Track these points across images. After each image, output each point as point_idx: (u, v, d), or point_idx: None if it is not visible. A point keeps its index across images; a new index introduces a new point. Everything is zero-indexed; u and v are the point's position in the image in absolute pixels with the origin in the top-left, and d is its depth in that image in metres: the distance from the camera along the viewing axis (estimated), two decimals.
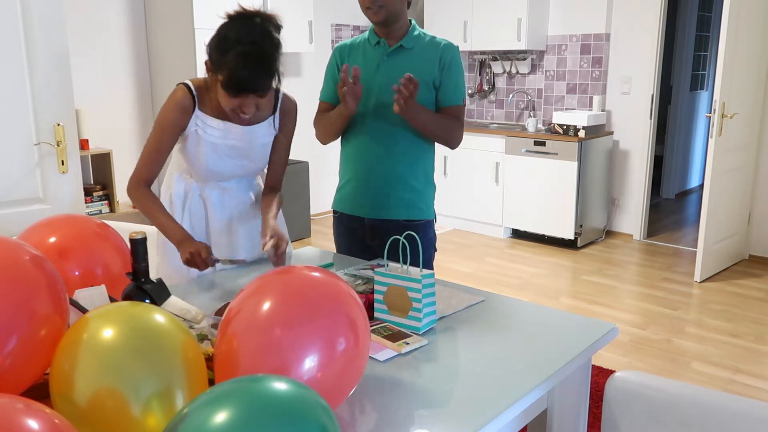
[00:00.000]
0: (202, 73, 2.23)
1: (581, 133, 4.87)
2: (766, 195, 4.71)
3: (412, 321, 1.48)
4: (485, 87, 5.94)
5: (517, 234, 5.44)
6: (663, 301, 4.00)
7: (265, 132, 1.94)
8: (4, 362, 0.97)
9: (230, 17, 1.70)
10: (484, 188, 5.43)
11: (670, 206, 6.53)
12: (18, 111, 2.66)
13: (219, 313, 1.47)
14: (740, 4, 3.98)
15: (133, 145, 4.44)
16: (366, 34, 2.14)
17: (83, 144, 3.93)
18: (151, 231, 2.09)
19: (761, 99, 4.54)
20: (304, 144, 3.74)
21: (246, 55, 1.63)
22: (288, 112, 1.97)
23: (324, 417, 0.82)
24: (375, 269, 1.61)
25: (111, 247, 1.48)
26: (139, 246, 1.34)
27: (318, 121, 2.18)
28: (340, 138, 2.18)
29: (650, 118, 5.10)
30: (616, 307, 3.92)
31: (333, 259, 2.05)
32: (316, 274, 1.13)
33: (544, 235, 5.22)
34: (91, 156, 4.09)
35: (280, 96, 1.94)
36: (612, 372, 2.82)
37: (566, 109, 5.44)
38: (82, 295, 1.27)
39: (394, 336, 1.43)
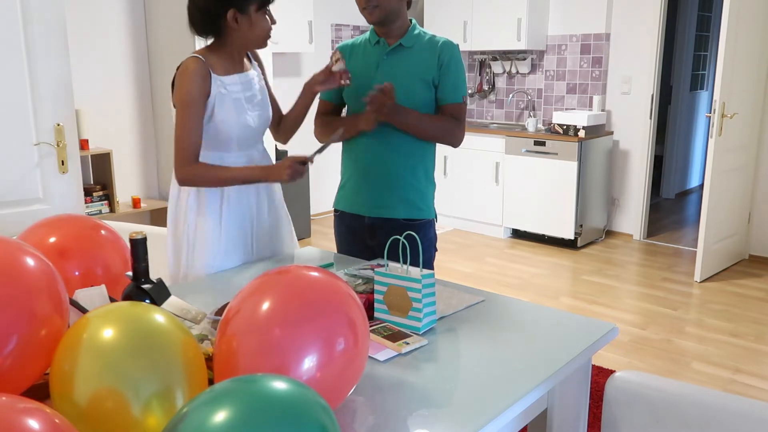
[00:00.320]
0: None
1: (581, 133, 4.87)
2: (766, 195, 4.71)
3: (412, 321, 1.48)
4: (485, 87, 5.95)
5: (517, 234, 5.44)
6: (663, 301, 4.00)
7: (256, 76, 2.03)
8: (4, 362, 0.97)
9: None
10: (484, 188, 5.43)
11: (670, 206, 6.53)
12: (18, 111, 2.66)
13: (219, 313, 1.47)
14: (740, 4, 3.98)
15: (133, 145, 4.44)
16: (367, 34, 2.14)
17: (83, 144, 3.93)
18: (150, 231, 2.09)
19: (761, 99, 4.54)
20: (305, 144, 3.74)
21: None
22: (257, 56, 2.11)
23: (324, 417, 0.82)
24: (375, 269, 1.61)
25: (111, 247, 1.48)
26: (139, 246, 1.34)
27: (319, 122, 2.18)
28: None
29: (650, 118, 5.10)
30: (616, 307, 3.92)
31: (333, 259, 2.05)
32: (316, 274, 1.13)
33: (544, 235, 5.22)
34: (91, 156, 4.09)
35: None
36: (612, 372, 2.82)
37: (566, 109, 5.44)
38: (82, 295, 1.27)
39: (394, 336, 1.43)
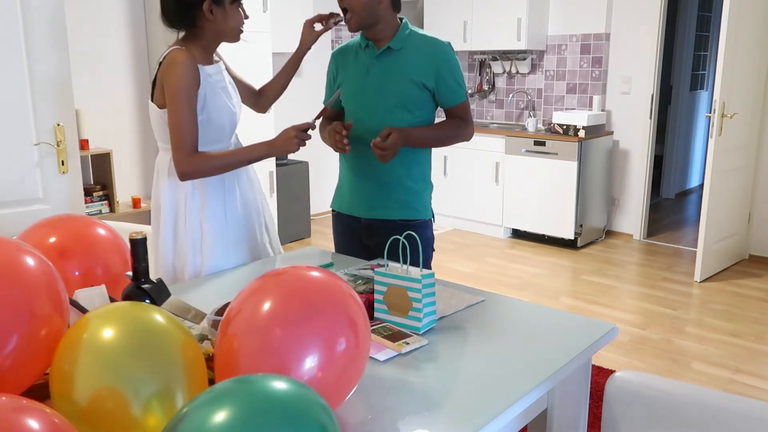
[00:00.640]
0: None
1: (581, 133, 4.87)
2: (766, 195, 4.71)
3: (412, 321, 1.48)
4: (485, 87, 5.94)
5: (517, 234, 5.44)
6: (663, 301, 4.00)
7: (223, 66, 2.06)
8: (4, 362, 0.97)
9: None
10: (484, 188, 5.43)
11: (670, 206, 6.53)
12: (18, 111, 2.66)
13: (219, 313, 1.47)
14: (740, 4, 3.98)
15: (133, 145, 4.44)
16: (358, 37, 2.14)
17: (83, 144, 3.92)
18: (150, 231, 2.08)
19: (761, 99, 4.54)
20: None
21: None
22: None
23: (324, 416, 0.82)
24: (375, 269, 1.61)
25: (111, 247, 1.48)
26: (139, 246, 1.34)
27: (322, 127, 2.18)
28: None
29: (650, 118, 5.10)
30: (616, 307, 3.92)
31: (333, 258, 2.05)
32: (316, 274, 1.13)
33: (544, 235, 5.22)
34: (91, 156, 4.09)
35: None
36: (612, 372, 2.82)
37: (566, 109, 5.44)
38: (82, 295, 1.27)
39: (394, 336, 1.43)
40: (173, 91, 1.82)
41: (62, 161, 2.78)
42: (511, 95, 5.79)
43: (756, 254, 4.79)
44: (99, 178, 4.17)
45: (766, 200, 4.71)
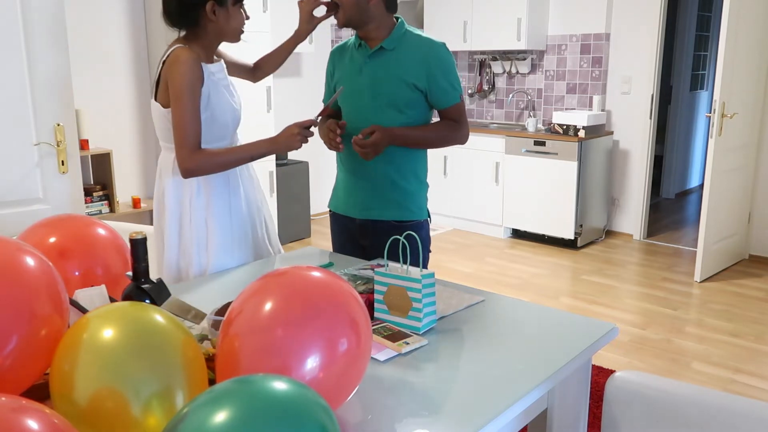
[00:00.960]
0: None
1: (581, 133, 4.87)
2: (766, 195, 4.71)
3: (412, 321, 1.48)
4: (485, 87, 5.94)
5: (517, 234, 5.44)
6: (663, 301, 4.00)
7: (224, 64, 2.08)
8: (4, 362, 0.97)
9: None
10: (484, 188, 5.43)
11: (670, 206, 6.53)
12: (18, 111, 2.66)
13: (219, 313, 1.47)
14: (740, 4, 3.98)
15: (133, 145, 4.44)
16: (353, 37, 2.14)
17: (83, 144, 3.93)
18: (150, 231, 2.08)
19: (761, 99, 4.54)
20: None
21: None
22: None
23: (324, 417, 0.82)
24: (375, 269, 1.61)
25: (111, 247, 1.48)
26: (139, 246, 1.34)
27: (321, 130, 2.18)
28: None
29: (650, 118, 5.10)
30: (616, 307, 3.92)
31: (332, 258, 2.05)
32: (317, 274, 1.13)
33: (544, 235, 5.22)
34: (91, 156, 4.10)
35: None
36: (612, 372, 2.82)
37: (566, 109, 5.44)
38: (82, 295, 1.27)
39: (394, 336, 1.43)
40: (177, 89, 1.83)
41: (62, 161, 2.78)
42: (511, 95, 5.79)
43: (756, 254, 4.79)
44: (99, 178, 4.18)
45: (766, 200, 4.71)
